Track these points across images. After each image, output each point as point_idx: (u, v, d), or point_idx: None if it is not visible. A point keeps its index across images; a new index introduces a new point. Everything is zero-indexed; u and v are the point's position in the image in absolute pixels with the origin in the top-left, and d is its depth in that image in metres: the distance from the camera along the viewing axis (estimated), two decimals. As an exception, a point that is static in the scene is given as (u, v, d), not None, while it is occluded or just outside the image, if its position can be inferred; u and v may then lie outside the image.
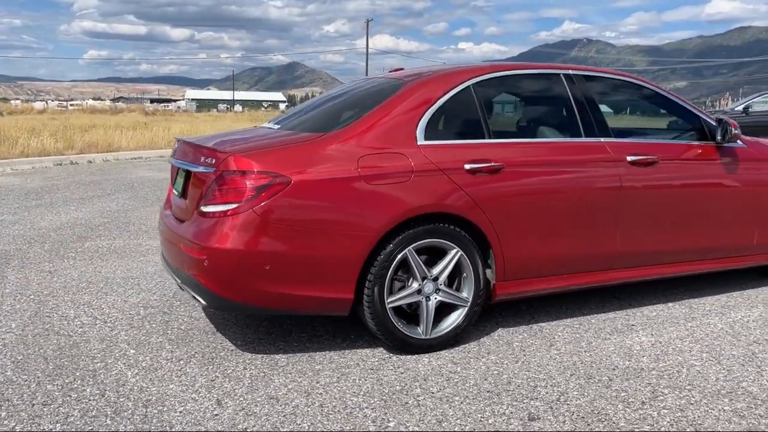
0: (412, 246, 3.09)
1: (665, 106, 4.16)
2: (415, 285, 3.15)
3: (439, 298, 3.21)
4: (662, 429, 2.46)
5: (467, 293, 3.26)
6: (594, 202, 3.52)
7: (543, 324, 3.61)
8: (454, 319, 3.25)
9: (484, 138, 3.39)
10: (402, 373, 2.97)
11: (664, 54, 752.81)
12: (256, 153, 3.05)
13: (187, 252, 3.06)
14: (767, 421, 2.53)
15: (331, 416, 2.57)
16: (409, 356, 3.16)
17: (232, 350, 3.24)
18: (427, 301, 3.18)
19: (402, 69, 4.09)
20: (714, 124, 3.95)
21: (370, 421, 2.53)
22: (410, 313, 3.21)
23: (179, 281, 3.28)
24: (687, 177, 3.84)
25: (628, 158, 3.61)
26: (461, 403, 2.68)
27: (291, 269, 2.96)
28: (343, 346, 3.30)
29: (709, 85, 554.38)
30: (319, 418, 2.55)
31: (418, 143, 3.20)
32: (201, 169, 3.15)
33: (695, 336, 3.43)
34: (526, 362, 3.09)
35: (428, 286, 3.17)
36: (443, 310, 3.25)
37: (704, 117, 4.00)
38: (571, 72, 3.77)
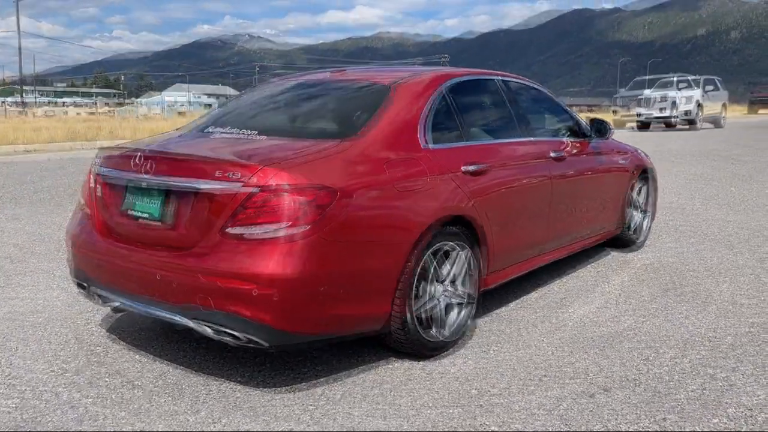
0: (429, 251, 3.19)
1: (552, 109, 4.88)
2: (431, 288, 3.24)
3: (448, 298, 3.36)
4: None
5: (472, 290, 3.48)
6: (540, 194, 4.09)
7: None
8: (461, 316, 3.41)
9: (464, 140, 3.64)
10: (447, 377, 3.07)
11: (321, 53, 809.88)
12: (294, 165, 2.80)
13: (218, 283, 2.67)
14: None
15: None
16: (429, 361, 3.24)
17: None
18: (438, 302, 3.31)
19: (345, 70, 4.06)
20: (584, 123, 4.84)
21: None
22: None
23: (184, 321, 2.83)
24: (580, 168, 4.62)
25: (551, 154, 4.25)
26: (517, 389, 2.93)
27: (343, 287, 2.84)
28: (366, 362, 3.24)
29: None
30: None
31: (422, 147, 3.31)
32: (216, 185, 2.74)
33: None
34: (530, 346, 3.43)
35: (439, 288, 3.30)
36: (446, 308, 3.38)
37: (578, 118, 4.87)
38: (508, 79, 4.27)
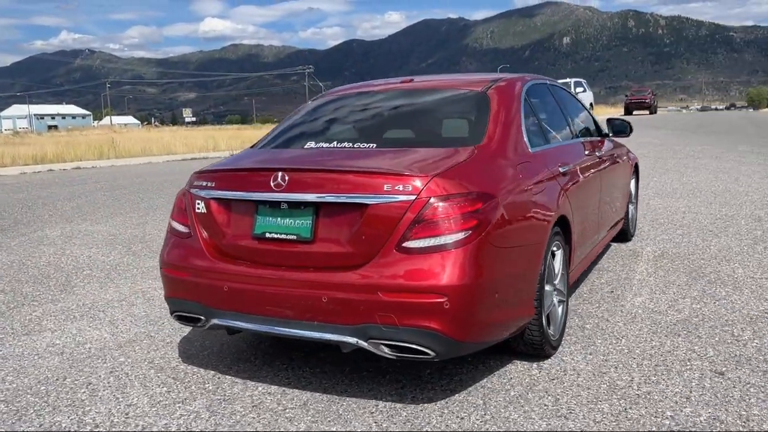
0: (549, 252, 3.26)
1: (579, 108, 5.04)
2: (548, 289, 3.31)
3: (555, 298, 3.43)
4: None
5: (565, 288, 3.56)
6: (594, 190, 4.28)
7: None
8: (562, 314, 3.51)
9: (547, 143, 3.72)
10: (570, 375, 3.13)
11: (171, 66, 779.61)
12: (456, 173, 2.77)
13: (403, 299, 2.59)
14: None
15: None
16: (541, 362, 3.29)
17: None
18: (553, 302, 3.39)
19: (412, 79, 3.99)
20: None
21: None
22: None
23: (354, 341, 2.70)
24: (610, 164, 4.86)
25: (597, 153, 4.47)
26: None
27: (505, 292, 2.85)
28: (483, 370, 3.24)
29: (215, 97, 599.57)
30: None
31: (530, 151, 3.37)
32: (388, 199, 2.65)
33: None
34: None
35: (550, 288, 3.36)
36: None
37: (595, 117, 5.12)
38: (552, 82, 4.42)
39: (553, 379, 3.09)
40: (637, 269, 5.00)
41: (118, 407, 2.95)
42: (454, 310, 2.57)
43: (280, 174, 2.83)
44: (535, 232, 3.08)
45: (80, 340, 3.86)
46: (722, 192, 8.55)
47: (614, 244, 5.81)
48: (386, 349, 2.67)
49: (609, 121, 5.22)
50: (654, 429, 2.59)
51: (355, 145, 3.21)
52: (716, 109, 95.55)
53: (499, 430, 2.63)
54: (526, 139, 3.38)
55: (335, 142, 3.30)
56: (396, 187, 2.65)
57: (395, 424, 2.72)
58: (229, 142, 24.53)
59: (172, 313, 3.23)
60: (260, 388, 3.11)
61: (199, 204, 3.08)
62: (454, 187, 2.67)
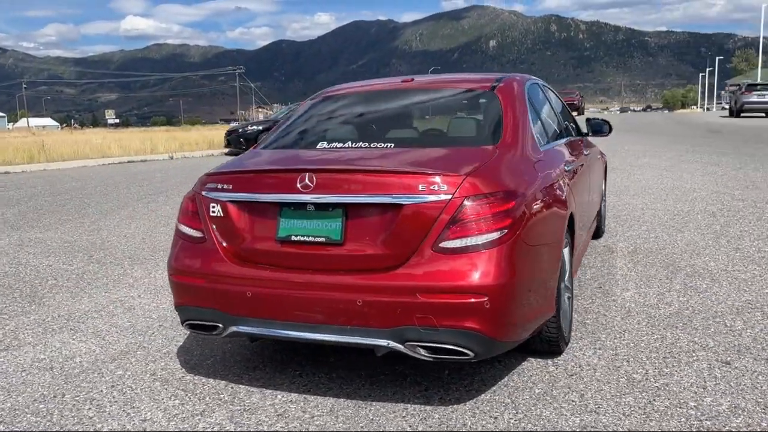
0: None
1: (564, 107, 5.15)
2: (561, 286, 3.34)
3: (564, 293, 3.48)
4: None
5: (571, 284, 3.63)
6: (585, 187, 4.36)
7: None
8: (569, 309, 3.56)
9: (549, 141, 3.75)
10: (586, 370, 3.19)
11: (90, 66, 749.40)
12: (487, 172, 2.76)
13: (442, 300, 2.56)
14: None
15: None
16: (555, 358, 3.33)
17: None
18: (564, 299, 3.42)
19: (412, 78, 3.95)
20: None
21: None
22: None
23: (389, 344, 2.65)
24: (592, 161, 5.00)
25: (585, 151, 4.58)
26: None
27: (536, 290, 2.86)
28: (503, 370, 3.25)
29: (139, 98, 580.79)
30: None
31: (540, 149, 3.40)
32: (425, 198, 2.62)
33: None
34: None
35: (561, 285, 3.39)
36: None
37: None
38: (541, 82, 4.47)
39: (572, 375, 3.13)
40: (616, 264, 5.14)
41: (132, 423, 2.80)
42: (493, 309, 2.57)
43: (307, 175, 2.75)
44: (557, 229, 3.12)
45: (67, 354, 3.64)
46: (672, 189, 8.92)
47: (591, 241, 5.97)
48: (423, 351, 2.64)
49: (588, 120, 5.36)
50: (683, 419, 2.67)
51: (371, 145, 3.15)
52: (634, 111, 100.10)
53: (535, 428, 2.65)
54: (537, 137, 3.42)
55: (348, 142, 3.23)
56: (431, 187, 2.63)
57: (430, 426, 2.69)
58: (168, 144, 23.74)
59: (183, 322, 3.08)
60: (279, 397, 3.01)
61: (214, 207, 2.95)
62: (486, 186, 2.67)
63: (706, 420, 2.66)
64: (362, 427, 2.70)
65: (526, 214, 2.76)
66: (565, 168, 3.62)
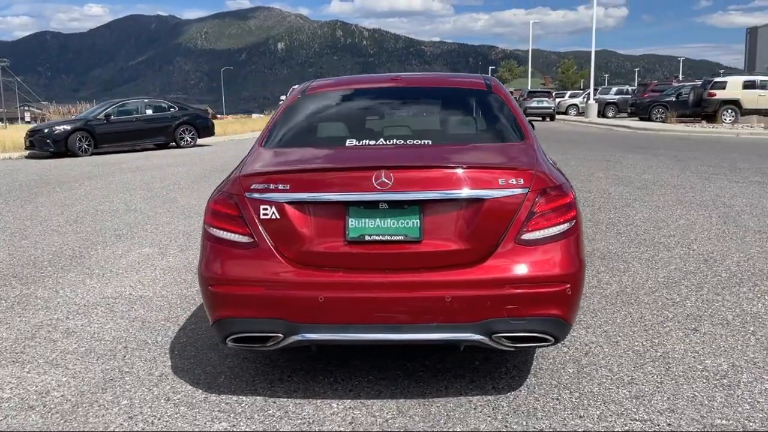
0: None
1: None
2: None
3: None
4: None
5: None
6: None
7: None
8: None
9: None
10: (604, 359, 3.50)
11: None
12: (545, 167, 2.90)
13: (531, 290, 2.66)
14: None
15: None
16: (567, 349, 3.56)
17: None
18: None
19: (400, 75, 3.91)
20: None
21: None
22: None
23: (475, 337, 2.67)
24: None
25: None
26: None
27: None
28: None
29: None
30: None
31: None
32: (505, 193, 2.70)
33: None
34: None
35: None
36: None
37: None
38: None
39: (587, 354, 3.40)
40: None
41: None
42: (573, 296, 2.74)
43: (383, 173, 2.67)
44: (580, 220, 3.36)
45: (41, 390, 3.09)
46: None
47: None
48: (506, 342, 2.72)
49: None
50: (704, 381, 3.06)
51: (408, 142, 3.13)
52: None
53: (597, 403, 2.85)
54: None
55: (381, 140, 3.16)
56: (510, 181, 2.72)
57: (507, 415, 2.77)
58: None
59: (225, 338, 2.78)
60: (335, 405, 2.88)
61: (266, 209, 2.71)
62: (550, 180, 2.82)
63: (723, 379, 3.08)
64: (444, 424, 2.70)
65: (576, 205, 2.95)
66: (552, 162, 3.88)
